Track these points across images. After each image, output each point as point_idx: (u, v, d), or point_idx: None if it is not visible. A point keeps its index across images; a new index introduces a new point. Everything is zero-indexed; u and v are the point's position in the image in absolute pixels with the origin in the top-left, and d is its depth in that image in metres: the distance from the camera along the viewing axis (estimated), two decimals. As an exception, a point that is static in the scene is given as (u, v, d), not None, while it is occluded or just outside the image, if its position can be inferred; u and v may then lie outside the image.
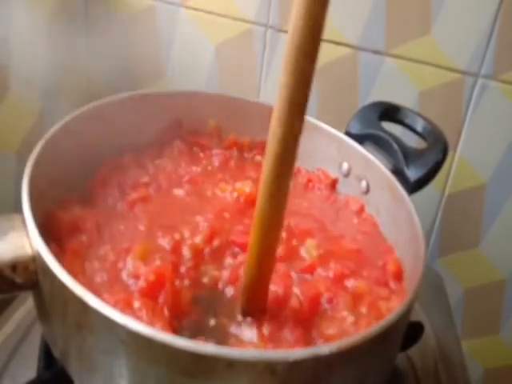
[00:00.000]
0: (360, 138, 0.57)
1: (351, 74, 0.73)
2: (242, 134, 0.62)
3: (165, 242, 0.45)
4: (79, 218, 0.46)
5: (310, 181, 0.59)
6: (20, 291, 0.41)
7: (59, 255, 0.39)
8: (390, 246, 0.52)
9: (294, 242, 0.49)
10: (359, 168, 0.56)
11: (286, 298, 0.42)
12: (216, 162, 0.59)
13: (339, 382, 0.36)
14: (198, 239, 0.46)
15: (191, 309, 0.42)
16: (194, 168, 0.57)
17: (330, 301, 0.43)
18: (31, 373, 0.49)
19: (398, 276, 0.48)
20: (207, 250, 0.46)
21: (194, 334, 0.39)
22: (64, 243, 0.44)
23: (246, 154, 0.62)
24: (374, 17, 0.70)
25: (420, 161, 0.55)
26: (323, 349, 0.34)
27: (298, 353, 0.33)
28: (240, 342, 0.40)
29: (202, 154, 0.60)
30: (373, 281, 0.46)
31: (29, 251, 0.38)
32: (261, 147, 0.62)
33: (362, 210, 0.56)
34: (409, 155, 0.55)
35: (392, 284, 0.47)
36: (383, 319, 0.37)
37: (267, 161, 0.34)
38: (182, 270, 0.44)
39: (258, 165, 0.61)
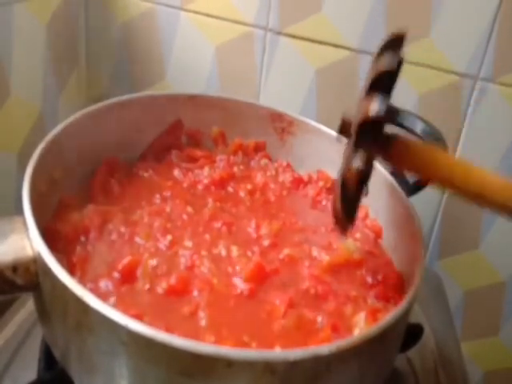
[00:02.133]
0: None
1: (351, 77, 0.73)
2: (244, 136, 0.62)
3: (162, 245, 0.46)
4: (79, 224, 0.46)
5: (318, 195, 0.59)
6: (21, 292, 0.41)
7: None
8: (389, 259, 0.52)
9: None
10: (359, 170, 0.56)
11: None
12: (219, 169, 0.59)
13: (338, 382, 0.36)
14: None
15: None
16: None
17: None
18: (32, 374, 0.49)
19: (399, 287, 0.47)
20: None
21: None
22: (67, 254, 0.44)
23: (252, 161, 0.62)
24: (374, 19, 0.70)
25: (419, 163, 0.55)
26: (323, 349, 0.34)
27: (298, 353, 0.33)
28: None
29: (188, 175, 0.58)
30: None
31: (29, 253, 0.38)
32: (265, 149, 0.63)
33: (366, 216, 0.56)
34: (408, 157, 0.55)
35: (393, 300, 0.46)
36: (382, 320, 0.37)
37: None
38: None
39: (265, 169, 0.61)
